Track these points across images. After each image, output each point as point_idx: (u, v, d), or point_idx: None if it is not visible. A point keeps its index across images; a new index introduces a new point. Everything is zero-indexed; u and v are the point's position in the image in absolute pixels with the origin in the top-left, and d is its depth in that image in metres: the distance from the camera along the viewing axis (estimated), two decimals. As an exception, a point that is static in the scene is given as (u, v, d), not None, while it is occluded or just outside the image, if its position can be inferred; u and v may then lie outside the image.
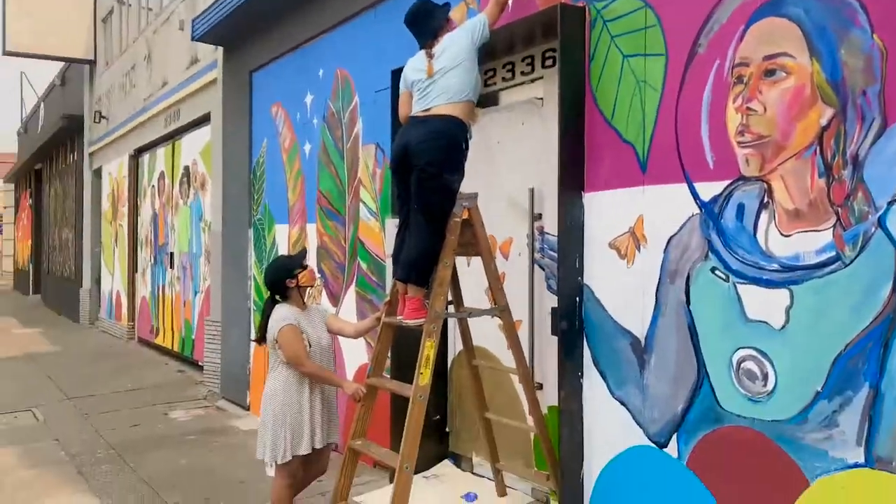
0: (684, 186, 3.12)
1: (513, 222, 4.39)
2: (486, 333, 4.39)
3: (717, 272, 2.99)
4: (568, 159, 3.57)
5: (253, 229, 7.41)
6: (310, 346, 3.87)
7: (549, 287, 4.14)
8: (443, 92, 3.56)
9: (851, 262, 2.52)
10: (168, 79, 10.66)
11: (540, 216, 4.26)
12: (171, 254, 10.74)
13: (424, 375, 3.49)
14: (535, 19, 3.95)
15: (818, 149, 2.63)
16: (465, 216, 3.70)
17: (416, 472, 3.66)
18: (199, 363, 9.34)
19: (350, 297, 5.69)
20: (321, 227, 6.12)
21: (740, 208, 2.90)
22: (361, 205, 5.54)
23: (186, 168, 10.16)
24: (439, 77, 3.58)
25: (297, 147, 6.53)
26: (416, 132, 3.60)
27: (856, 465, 2.52)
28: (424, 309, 3.61)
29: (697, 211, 3.07)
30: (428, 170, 3.52)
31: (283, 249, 6.77)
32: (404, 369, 3.95)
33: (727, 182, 2.95)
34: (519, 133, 4.41)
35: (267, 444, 3.77)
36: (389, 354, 4.11)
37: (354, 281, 5.62)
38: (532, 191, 4.27)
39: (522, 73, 4.36)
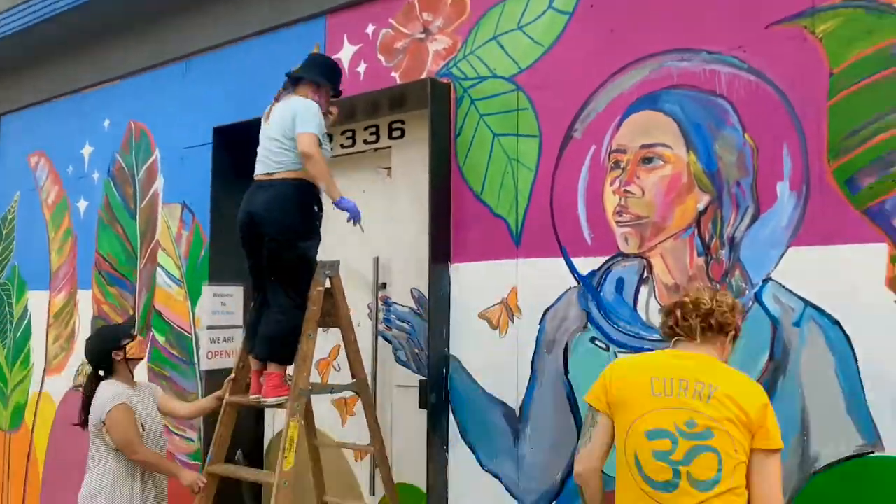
0: (561, 261, 3.28)
1: (352, 292, 4.24)
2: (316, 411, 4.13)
3: (597, 342, 3.15)
4: (436, 231, 3.57)
5: (-7, 296, 6.30)
6: (143, 429, 3.35)
7: (398, 359, 4.05)
8: (281, 160, 3.33)
9: (731, 332, 2.81)
10: None
11: (384, 286, 4.19)
12: None
13: (289, 460, 3.20)
14: (384, 92, 3.96)
15: (696, 230, 2.94)
16: (328, 285, 3.51)
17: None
18: None
19: (139, 374, 5.02)
20: (100, 294, 5.39)
21: (620, 282, 3.12)
22: (159, 270, 4.99)
23: None
24: (273, 139, 3.33)
25: (68, 203, 5.74)
26: (261, 198, 3.33)
27: None
28: (286, 386, 3.32)
29: (575, 284, 3.23)
30: (279, 239, 3.28)
31: (39, 320, 5.83)
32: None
33: (606, 258, 3.16)
34: (360, 201, 4.31)
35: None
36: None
37: (147, 355, 4.99)
38: (377, 260, 4.20)
39: (366, 142, 4.32)
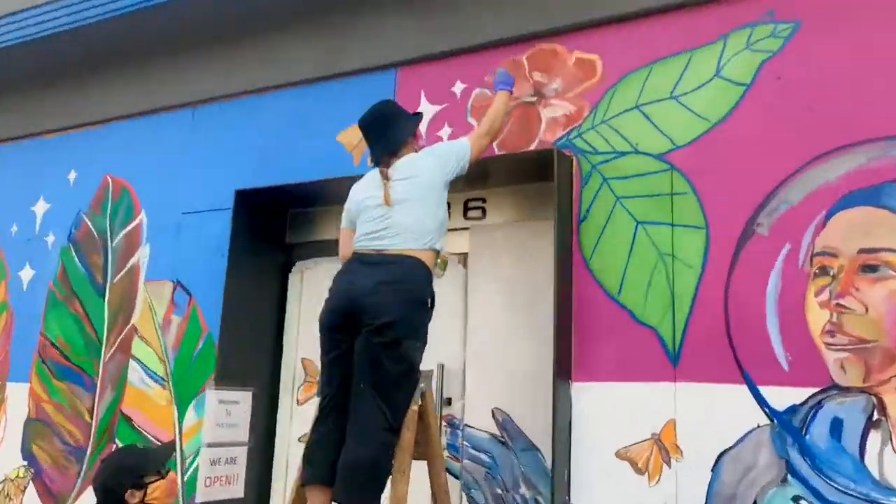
0: (743, 388, 2.54)
1: (405, 409, 3.34)
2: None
3: (802, 502, 2.39)
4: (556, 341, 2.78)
5: None
6: None
7: (472, 501, 3.14)
8: (401, 231, 2.55)
9: None
10: None
11: (450, 401, 3.32)
12: None
13: None
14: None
15: (948, 362, 2.29)
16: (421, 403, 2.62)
17: None
18: None
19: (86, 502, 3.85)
20: (41, 388, 4.22)
21: (836, 424, 2.40)
22: (133, 363, 3.91)
23: None
24: (398, 209, 2.58)
25: (5, 270, 4.60)
26: (367, 279, 2.49)
27: None
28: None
29: (766, 421, 2.49)
30: (386, 333, 2.41)
31: (-53, 417, 4.54)
32: None
33: (813, 390, 2.44)
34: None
35: None
36: None
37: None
38: (442, 368, 3.34)
39: (435, 222, 3.52)
